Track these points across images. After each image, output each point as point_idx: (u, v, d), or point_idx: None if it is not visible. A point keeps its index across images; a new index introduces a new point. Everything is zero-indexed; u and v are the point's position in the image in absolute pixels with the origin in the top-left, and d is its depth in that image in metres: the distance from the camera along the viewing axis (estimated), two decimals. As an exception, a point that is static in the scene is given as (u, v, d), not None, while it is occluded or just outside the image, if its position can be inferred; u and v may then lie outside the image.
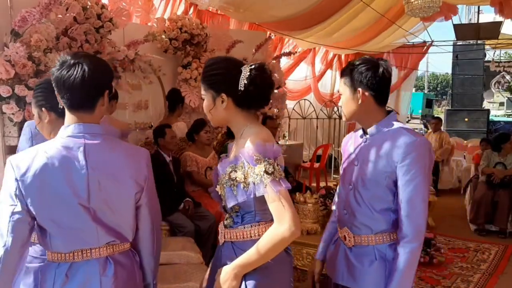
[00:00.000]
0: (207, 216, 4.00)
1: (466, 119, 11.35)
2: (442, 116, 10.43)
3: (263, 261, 1.49)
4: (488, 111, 12.37)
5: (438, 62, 71.16)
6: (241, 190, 1.50)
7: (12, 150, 2.97)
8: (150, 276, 1.66)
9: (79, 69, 1.44)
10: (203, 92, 1.62)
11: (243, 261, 1.50)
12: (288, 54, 6.87)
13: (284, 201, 1.45)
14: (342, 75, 1.82)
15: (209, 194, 4.30)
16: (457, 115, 11.43)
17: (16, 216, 1.40)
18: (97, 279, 1.47)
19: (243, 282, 1.52)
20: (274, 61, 6.06)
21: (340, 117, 9.37)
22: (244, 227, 1.58)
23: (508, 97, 19.62)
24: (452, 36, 8.65)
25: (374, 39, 8.25)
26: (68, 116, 1.51)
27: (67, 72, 1.44)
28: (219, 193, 1.62)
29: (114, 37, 3.86)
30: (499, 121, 13.57)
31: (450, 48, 11.18)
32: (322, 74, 9.33)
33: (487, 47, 11.50)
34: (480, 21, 9.16)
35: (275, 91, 6.02)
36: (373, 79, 1.73)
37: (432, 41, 9.35)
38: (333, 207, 2.07)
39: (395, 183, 1.67)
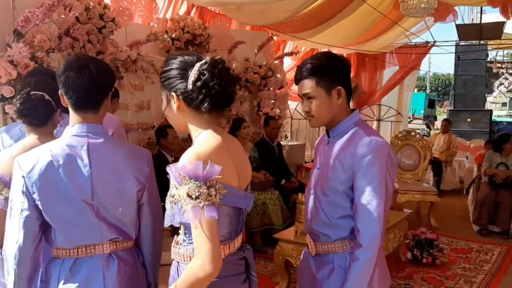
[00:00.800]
0: (209, 216, 4.00)
1: (468, 120, 11.34)
2: (444, 117, 10.41)
3: None
4: (490, 111, 12.36)
5: (440, 63, 71.10)
6: (179, 209, 1.32)
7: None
8: (151, 275, 1.67)
9: (87, 72, 1.49)
10: (162, 93, 1.47)
11: None
12: (290, 54, 6.86)
13: (203, 233, 1.26)
14: (308, 76, 1.61)
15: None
16: (460, 115, 11.41)
17: (25, 213, 1.45)
18: (101, 274, 1.50)
19: None
20: (276, 62, 6.05)
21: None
22: (187, 249, 1.40)
23: (510, 98, 19.57)
24: (455, 37, 8.62)
25: (376, 39, 8.24)
26: (73, 116, 1.55)
27: (75, 74, 1.48)
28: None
29: (116, 37, 3.86)
30: (501, 122, 13.55)
31: (453, 49, 11.15)
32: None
33: (489, 47, 11.46)
34: (483, 21, 9.11)
35: (277, 91, 6.02)
36: (346, 74, 1.64)
37: (435, 41, 9.32)
38: None
39: (353, 188, 1.56)
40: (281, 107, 6.13)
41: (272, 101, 5.90)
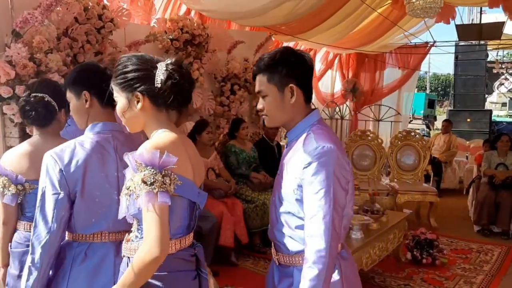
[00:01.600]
0: (208, 217, 3.99)
1: (468, 120, 11.34)
2: (444, 117, 10.41)
3: (139, 282, 1.33)
4: (490, 111, 12.35)
5: (440, 63, 71.09)
6: (133, 201, 1.35)
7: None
8: None
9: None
10: (115, 94, 1.48)
11: (121, 281, 1.35)
12: None
13: (154, 216, 1.29)
14: (261, 71, 1.56)
15: (211, 195, 4.32)
16: (460, 115, 11.41)
17: (60, 203, 1.58)
18: (112, 259, 1.65)
19: None
20: None
21: (342, 117, 9.35)
22: (139, 244, 1.41)
23: (510, 98, 19.57)
24: (454, 37, 8.63)
25: (377, 42, 8.24)
26: (99, 113, 1.72)
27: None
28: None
29: (115, 38, 3.84)
30: (501, 122, 13.54)
31: (452, 49, 11.15)
32: (323, 74, 9.32)
33: (489, 47, 11.46)
34: (483, 21, 9.11)
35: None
36: (303, 72, 1.53)
37: (434, 42, 9.32)
38: None
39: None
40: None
41: (191, 99, 5.88)
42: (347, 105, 9.63)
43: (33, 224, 1.60)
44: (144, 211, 1.32)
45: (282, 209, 1.53)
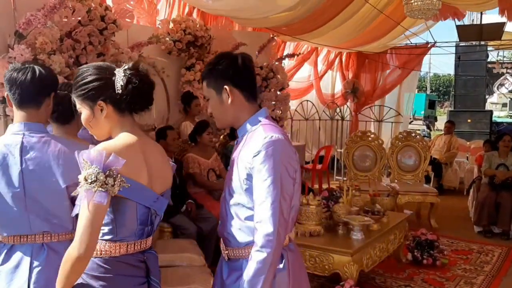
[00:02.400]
0: (209, 218, 4.00)
1: (469, 120, 11.34)
2: (445, 117, 10.41)
3: (69, 278, 1.35)
4: (491, 112, 12.34)
5: (441, 63, 71.10)
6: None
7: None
8: None
9: (29, 71, 1.74)
10: (78, 105, 1.51)
11: (58, 277, 1.38)
12: (292, 55, 6.85)
13: (87, 215, 1.32)
14: (203, 78, 1.64)
15: (211, 196, 4.33)
16: (460, 116, 11.41)
17: None
18: (28, 261, 1.67)
19: None
20: (277, 63, 6.06)
21: (342, 118, 9.36)
22: None
23: (511, 98, 19.56)
24: (455, 37, 8.63)
25: (378, 42, 8.25)
26: (16, 113, 1.78)
27: (18, 73, 1.73)
28: None
29: (117, 39, 3.85)
30: (502, 122, 13.53)
31: (453, 49, 11.15)
32: (323, 74, 9.34)
33: (489, 48, 11.46)
34: (483, 22, 9.11)
35: (278, 92, 6.01)
36: (236, 73, 1.58)
37: (435, 42, 9.32)
38: None
39: None
40: (282, 108, 6.12)
41: (273, 103, 5.90)
42: (347, 106, 9.64)
43: None
44: (80, 207, 1.35)
45: (232, 202, 1.57)
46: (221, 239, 1.66)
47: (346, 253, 3.19)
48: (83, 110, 1.50)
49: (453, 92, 14.33)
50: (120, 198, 1.39)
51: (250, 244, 1.53)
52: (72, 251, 1.33)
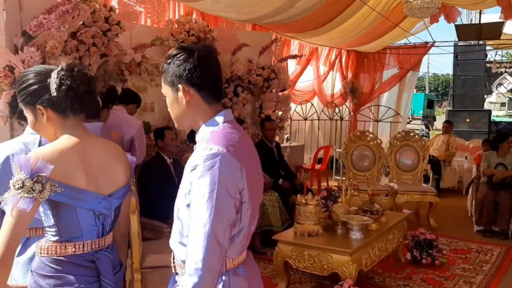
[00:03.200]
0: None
1: (467, 120, 11.36)
2: (443, 117, 10.42)
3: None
4: (489, 111, 12.36)
5: (439, 63, 71.23)
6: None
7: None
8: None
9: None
10: (24, 111, 1.53)
11: None
12: (294, 56, 6.85)
13: (9, 221, 1.33)
14: (162, 73, 1.47)
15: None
16: (459, 115, 11.43)
17: None
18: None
19: None
20: (282, 63, 6.06)
21: (341, 118, 9.36)
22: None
23: (509, 98, 19.58)
24: (453, 37, 8.65)
25: (376, 41, 8.26)
26: None
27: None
28: None
29: (121, 40, 3.85)
30: (500, 122, 13.55)
31: (451, 49, 11.17)
32: (326, 75, 9.38)
33: (488, 47, 11.48)
34: (482, 21, 9.13)
35: (280, 93, 6.01)
36: (192, 70, 1.36)
37: (434, 42, 9.33)
38: None
39: None
40: (283, 109, 6.12)
41: (274, 103, 5.90)
42: (346, 106, 9.65)
43: None
44: (6, 213, 1.35)
45: (178, 215, 1.42)
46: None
47: (345, 252, 3.20)
48: (27, 115, 1.52)
49: (451, 92, 14.34)
50: (57, 202, 1.41)
51: None
52: None
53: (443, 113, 21.18)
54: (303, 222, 3.43)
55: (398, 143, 6.31)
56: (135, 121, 3.77)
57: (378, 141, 6.39)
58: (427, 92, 27.05)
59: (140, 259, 2.99)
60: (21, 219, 1.34)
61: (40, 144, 1.76)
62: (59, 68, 1.47)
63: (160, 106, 4.85)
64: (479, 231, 5.51)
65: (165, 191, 3.48)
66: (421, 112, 18.47)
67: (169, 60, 1.41)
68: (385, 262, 4.09)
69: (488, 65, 12.76)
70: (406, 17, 6.89)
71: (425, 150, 6.24)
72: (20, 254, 1.77)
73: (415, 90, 13.65)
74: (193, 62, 1.37)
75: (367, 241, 3.42)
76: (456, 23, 7.92)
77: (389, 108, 9.00)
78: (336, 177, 8.61)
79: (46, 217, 1.48)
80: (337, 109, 9.28)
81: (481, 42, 10.52)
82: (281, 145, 6.01)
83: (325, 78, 9.40)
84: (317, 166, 7.66)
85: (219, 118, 1.41)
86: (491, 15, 9.47)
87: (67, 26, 3.19)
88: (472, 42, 10.86)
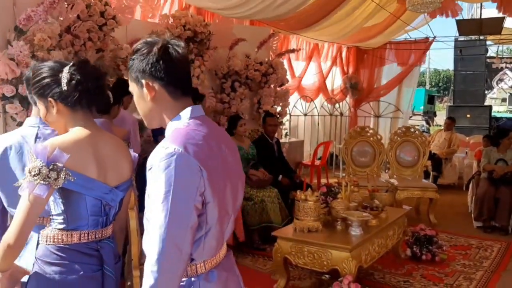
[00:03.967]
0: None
1: (468, 116, 11.33)
2: (444, 113, 10.39)
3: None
4: (490, 107, 12.33)
5: (440, 58, 71.33)
6: None
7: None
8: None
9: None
10: (38, 103, 1.62)
11: None
12: (292, 51, 6.83)
13: (24, 206, 1.40)
14: (128, 69, 1.40)
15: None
16: (459, 111, 11.40)
17: None
18: (36, 237, 1.71)
19: None
20: (280, 58, 6.03)
21: (341, 113, 9.35)
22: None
23: (510, 93, 19.54)
24: (454, 32, 8.61)
25: (376, 37, 8.23)
26: (34, 109, 1.87)
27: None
28: None
29: (116, 35, 3.83)
30: (501, 117, 13.52)
31: (452, 44, 11.12)
32: (329, 71, 9.37)
33: (489, 42, 11.43)
34: (483, 16, 9.08)
35: (278, 88, 5.99)
36: (155, 64, 1.30)
37: (434, 37, 9.29)
38: None
39: None
40: (281, 105, 6.10)
41: (273, 99, 5.88)
42: (346, 102, 9.63)
43: None
44: (21, 198, 1.41)
45: (144, 215, 1.32)
46: None
47: (344, 249, 3.18)
48: (40, 106, 1.61)
49: (452, 87, 14.30)
50: (68, 190, 1.47)
51: None
52: (5, 238, 1.40)
53: (444, 108, 21.15)
54: (302, 218, 3.42)
55: (399, 138, 6.29)
56: (130, 115, 3.76)
57: (378, 136, 6.37)
58: (427, 87, 27.01)
59: (139, 255, 2.98)
60: (36, 204, 1.40)
61: (36, 137, 1.81)
62: (71, 64, 1.55)
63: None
64: (479, 227, 5.50)
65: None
66: (422, 107, 18.44)
67: (134, 56, 1.34)
68: (385, 258, 4.07)
69: (489, 60, 12.71)
70: (406, 10, 6.85)
71: (426, 146, 6.22)
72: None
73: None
74: (155, 55, 1.30)
75: (367, 237, 3.41)
76: (457, 18, 7.88)
77: (389, 103, 8.97)
78: (336, 173, 8.60)
79: (56, 205, 1.54)
80: (337, 104, 9.26)
81: (482, 37, 10.48)
82: (280, 140, 5.99)
83: (328, 73, 9.38)
84: (317, 162, 7.64)
85: (185, 114, 1.33)
86: (492, 10, 9.42)
87: (61, 19, 3.17)
88: (473, 37, 10.81)
